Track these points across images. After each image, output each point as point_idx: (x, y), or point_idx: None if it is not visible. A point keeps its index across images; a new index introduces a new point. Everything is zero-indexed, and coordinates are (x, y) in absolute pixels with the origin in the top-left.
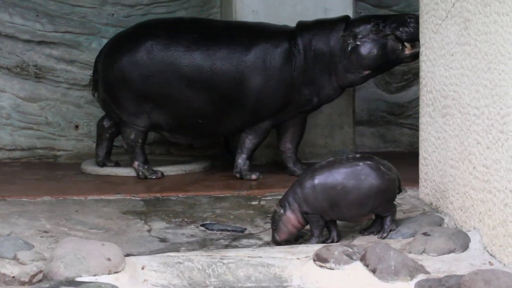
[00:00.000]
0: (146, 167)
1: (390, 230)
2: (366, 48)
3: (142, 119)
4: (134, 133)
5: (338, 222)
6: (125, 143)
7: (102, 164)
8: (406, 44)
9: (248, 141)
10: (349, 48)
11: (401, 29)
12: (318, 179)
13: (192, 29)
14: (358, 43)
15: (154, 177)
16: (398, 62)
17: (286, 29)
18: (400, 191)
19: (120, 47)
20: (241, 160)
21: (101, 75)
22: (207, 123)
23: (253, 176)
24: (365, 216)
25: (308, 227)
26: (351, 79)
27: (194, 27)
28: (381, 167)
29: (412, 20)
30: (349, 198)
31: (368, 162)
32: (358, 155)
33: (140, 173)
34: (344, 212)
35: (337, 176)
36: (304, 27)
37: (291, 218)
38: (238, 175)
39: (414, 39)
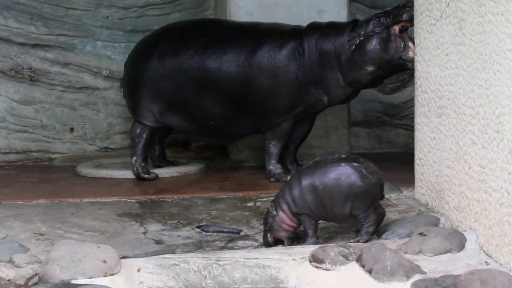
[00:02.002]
0: (142, 164)
1: (359, 241)
2: (369, 42)
3: (153, 120)
4: (140, 128)
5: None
6: (130, 137)
7: (158, 166)
8: (410, 44)
9: (272, 147)
10: (353, 46)
11: (401, 12)
12: (304, 180)
13: (203, 32)
14: (362, 38)
15: (146, 176)
16: (401, 65)
17: (296, 29)
18: (382, 197)
19: (138, 50)
20: (272, 166)
21: (124, 77)
22: (221, 124)
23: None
24: (347, 217)
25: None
26: (356, 76)
27: (205, 29)
28: (363, 169)
29: (410, 2)
30: (330, 199)
31: (351, 163)
32: (343, 156)
33: (135, 169)
34: (328, 213)
35: (320, 176)
36: (312, 28)
37: (284, 218)
38: (273, 180)
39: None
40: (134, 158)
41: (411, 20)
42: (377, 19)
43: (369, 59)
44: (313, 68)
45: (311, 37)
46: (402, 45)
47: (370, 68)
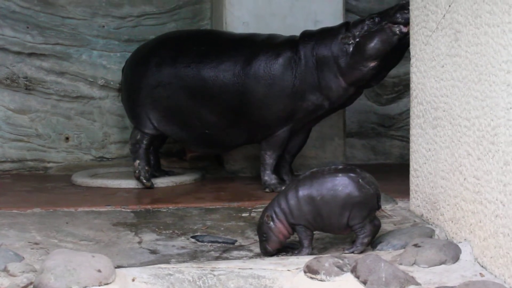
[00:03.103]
0: (146, 168)
1: (354, 252)
2: (366, 40)
3: (150, 127)
4: (139, 134)
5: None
6: (130, 143)
7: (153, 176)
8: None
9: (268, 157)
10: (351, 48)
11: (397, 15)
12: (301, 191)
13: (201, 42)
14: (358, 39)
15: (144, 181)
16: (402, 45)
17: (291, 39)
18: (379, 207)
19: (136, 57)
20: (267, 177)
21: (122, 82)
22: (216, 133)
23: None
24: (344, 228)
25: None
26: (358, 74)
27: (203, 39)
28: (360, 180)
29: (408, 5)
30: (328, 209)
31: (348, 173)
32: (340, 167)
33: (137, 171)
34: (325, 224)
35: (318, 187)
36: (306, 36)
37: (281, 228)
38: (268, 190)
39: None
40: (137, 161)
41: (406, 24)
42: (371, 20)
43: (370, 56)
44: (311, 75)
45: (307, 44)
46: (396, 29)
47: (373, 64)
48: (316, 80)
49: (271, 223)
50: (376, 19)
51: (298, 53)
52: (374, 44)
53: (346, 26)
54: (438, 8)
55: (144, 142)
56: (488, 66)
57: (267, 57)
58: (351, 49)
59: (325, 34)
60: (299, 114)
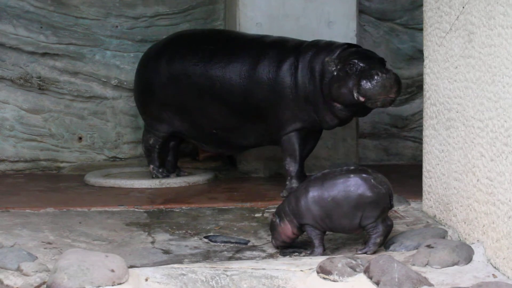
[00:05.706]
0: (160, 170)
1: (367, 252)
2: (336, 81)
3: (163, 125)
4: (153, 138)
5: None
6: (143, 146)
7: (167, 176)
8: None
9: (287, 165)
10: (329, 74)
11: (362, 82)
12: (312, 191)
13: (211, 41)
14: (335, 73)
15: (164, 181)
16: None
17: (298, 44)
18: (391, 206)
19: (149, 55)
20: (294, 185)
21: (134, 81)
22: (223, 133)
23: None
24: (356, 228)
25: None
26: (331, 108)
27: (214, 39)
28: (372, 180)
29: (376, 77)
30: (340, 210)
31: (360, 174)
32: (352, 168)
33: (154, 176)
34: (336, 224)
35: (329, 188)
36: (311, 45)
37: (285, 229)
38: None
39: (369, 97)
40: (151, 166)
41: (366, 95)
42: (350, 66)
43: (334, 96)
44: (303, 86)
45: (307, 53)
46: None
47: (337, 105)
48: (308, 93)
49: (277, 220)
50: (354, 68)
51: (297, 61)
52: (338, 90)
53: (345, 47)
54: (451, 10)
55: (157, 146)
56: (501, 67)
57: (271, 61)
58: (328, 74)
59: (323, 48)
60: (300, 122)
